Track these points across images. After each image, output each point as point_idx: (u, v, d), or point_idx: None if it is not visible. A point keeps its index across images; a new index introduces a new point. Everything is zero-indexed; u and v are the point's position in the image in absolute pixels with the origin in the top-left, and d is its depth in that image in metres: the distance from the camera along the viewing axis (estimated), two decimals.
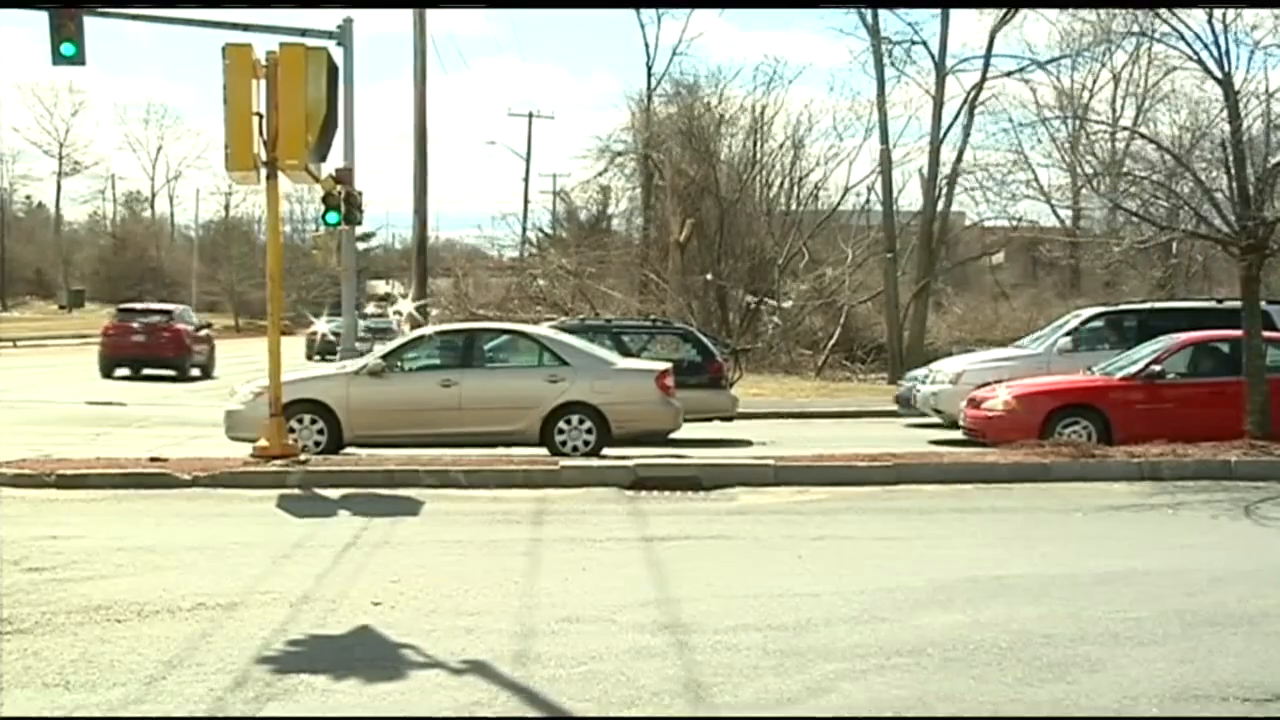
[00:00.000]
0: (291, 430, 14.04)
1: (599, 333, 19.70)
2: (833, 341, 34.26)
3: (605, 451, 14.56)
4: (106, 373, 31.05)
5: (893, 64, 35.27)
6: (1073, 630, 6.84)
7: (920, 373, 21.01)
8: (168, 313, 34.19)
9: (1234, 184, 14.43)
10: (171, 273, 77.49)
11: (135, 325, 32.31)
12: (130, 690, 5.73)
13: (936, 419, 18.81)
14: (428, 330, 18.25)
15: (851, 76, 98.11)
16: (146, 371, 31.83)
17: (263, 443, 13.37)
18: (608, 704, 5.63)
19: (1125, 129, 23.93)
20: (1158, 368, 15.30)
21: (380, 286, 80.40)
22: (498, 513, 10.91)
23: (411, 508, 11.29)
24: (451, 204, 77.01)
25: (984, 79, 34.76)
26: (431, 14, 23.83)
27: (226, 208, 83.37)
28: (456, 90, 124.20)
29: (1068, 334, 19.13)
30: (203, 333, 34.60)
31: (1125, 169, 17.68)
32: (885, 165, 36.02)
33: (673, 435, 15.54)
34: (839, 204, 39.09)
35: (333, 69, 13.45)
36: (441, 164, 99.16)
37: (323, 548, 9.20)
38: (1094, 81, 40.37)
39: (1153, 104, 34.67)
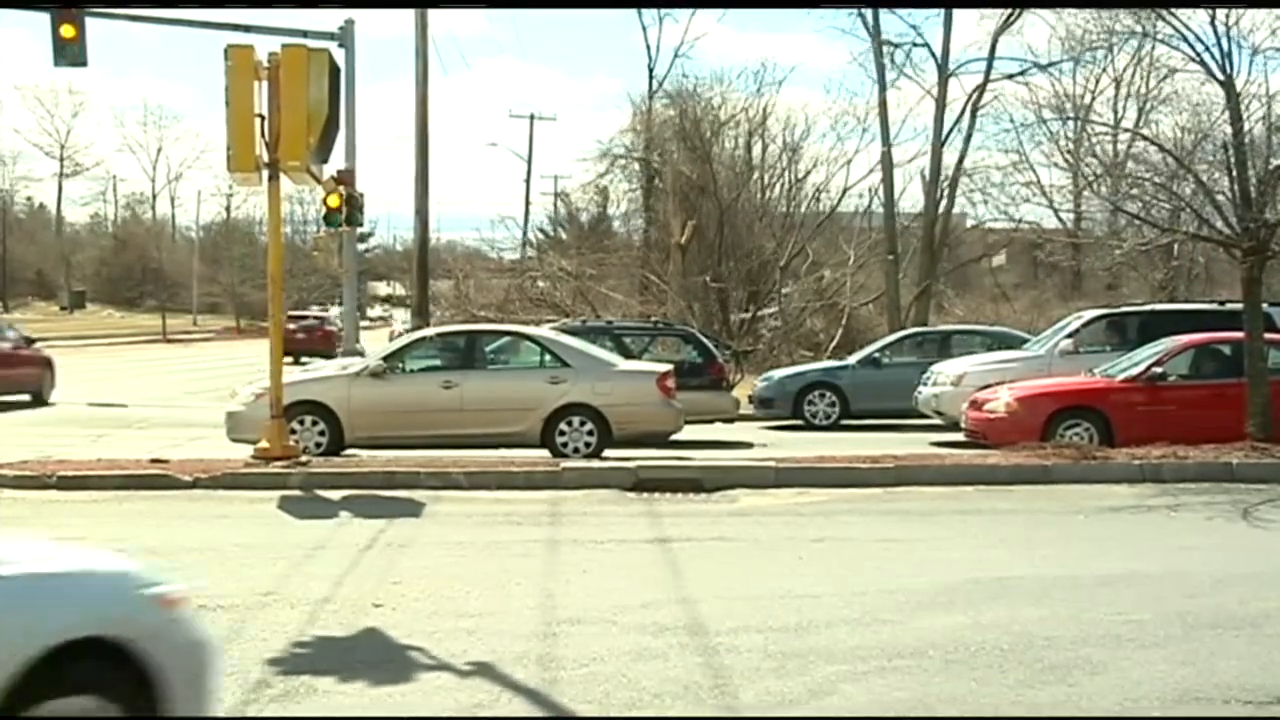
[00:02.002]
0: (293, 432, 14.04)
1: (600, 334, 19.68)
2: (834, 343, 34.23)
3: (606, 453, 14.55)
4: None
5: (894, 65, 35.35)
6: (1074, 632, 6.84)
7: (776, 373, 22.50)
8: (321, 318, 48.41)
9: (1235, 186, 14.43)
10: (173, 274, 77.36)
11: (294, 326, 42.50)
12: None
13: (795, 420, 20.61)
14: (429, 331, 18.25)
15: (851, 78, 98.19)
16: None
17: (264, 444, 13.38)
18: (609, 705, 5.63)
19: (1127, 130, 23.91)
20: (1159, 370, 15.29)
21: (381, 288, 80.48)
22: (499, 514, 10.92)
23: (413, 509, 11.29)
24: (452, 205, 76.75)
25: (986, 81, 34.84)
26: (432, 15, 23.80)
27: (228, 209, 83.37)
28: (457, 92, 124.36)
29: (1069, 336, 19.12)
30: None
31: (1127, 171, 17.67)
32: (886, 167, 36.05)
33: (674, 437, 15.54)
34: (838, 205, 39.09)
35: (335, 70, 13.44)
36: (442, 165, 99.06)
37: (324, 549, 9.21)
38: (1095, 84, 40.42)
39: (1154, 105, 34.67)
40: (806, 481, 12.61)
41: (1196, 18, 15.40)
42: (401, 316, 58.09)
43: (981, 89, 34.85)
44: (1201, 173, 15.08)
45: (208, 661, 4.37)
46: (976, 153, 35.94)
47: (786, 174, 40.06)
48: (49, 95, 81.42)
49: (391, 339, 39.35)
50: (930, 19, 35.29)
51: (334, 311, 47.87)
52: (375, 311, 77.21)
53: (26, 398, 23.51)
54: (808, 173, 39.58)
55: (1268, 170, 14.65)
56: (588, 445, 14.72)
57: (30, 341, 24.97)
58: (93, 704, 3.92)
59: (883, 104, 35.64)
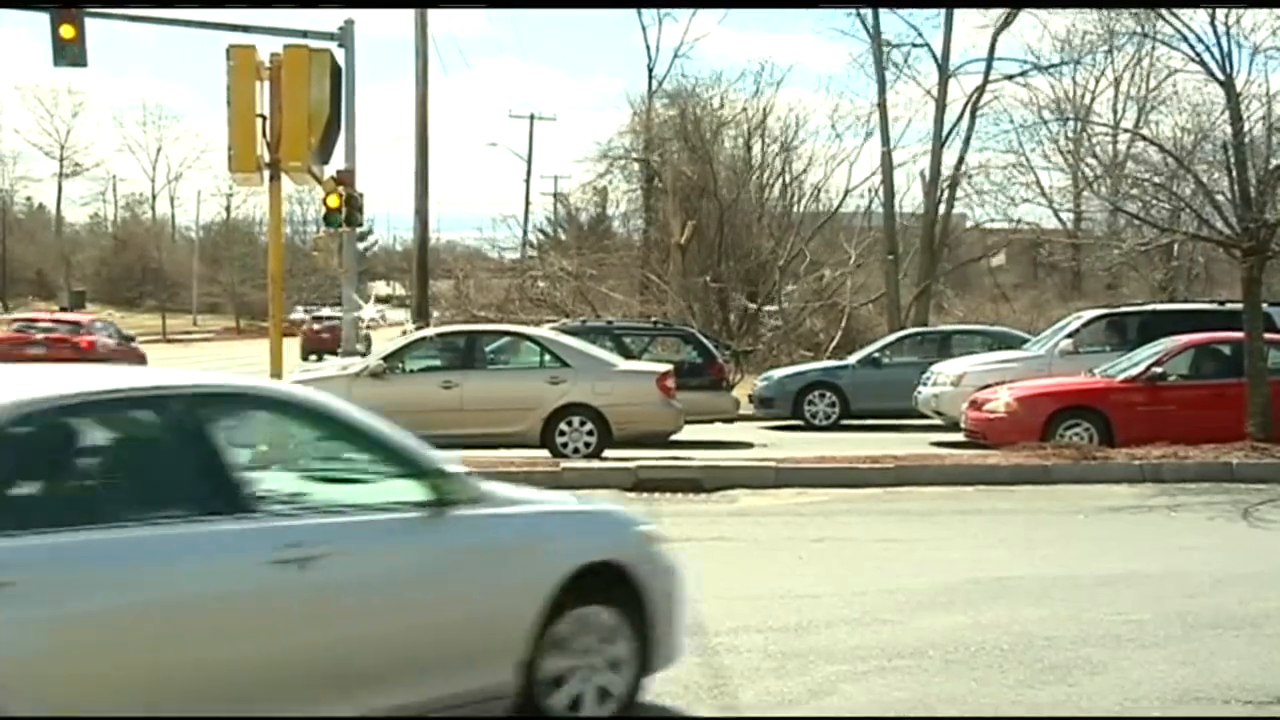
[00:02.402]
0: None
1: (600, 334, 19.66)
2: (834, 344, 34.23)
3: (606, 453, 14.55)
4: (304, 357, 40.23)
5: (894, 66, 35.34)
6: (1074, 632, 6.84)
7: (776, 373, 22.53)
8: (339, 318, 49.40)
9: (1235, 186, 14.44)
10: (173, 274, 77.37)
11: (319, 326, 44.87)
12: None
13: (795, 420, 20.52)
14: (429, 332, 18.25)
15: (852, 79, 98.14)
16: None
17: None
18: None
19: (1127, 131, 23.91)
20: (1159, 369, 15.28)
21: (380, 288, 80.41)
22: None
23: None
24: (452, 205, 76.73)
25: (986, 81, 34.81)
26: (432, 15, 23.77)
27: (228, 209, 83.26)
28: (457, 91, 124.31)
29: (1069, 336, 19.11)
30: (365, 331, 43.38)
31: (1126, 171, 17.69)
32: (886, 167, 36.04)
33: (674, 437, 15.53)
34: (839, 206, 39.10)
35: (336, 70, 13.46)
36: (442, 165, 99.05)
37: None
38: (1095, 84, 40.42)
39: (1154, 105, 34.68)
40: (806, 481, 12.61)
41: (1197, 18, 15.43)
42: (393, 316, 58.25)
43: (981, 89, 34.85)
44: (1201, 173, 15.10)
45: (679, 584, 5.63)
46: (977, 153, 35.96)
47: (785, 174, 40.11)
48: (49, 95, 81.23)
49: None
50: (930, 19, 35.28)
51: (326, 312, 47.91)
52: (369, 312, 76.81)
53: None
54: (804, 170, 39.63)
55: (1268, 170, 14.66)
56: (588, 445, 14.72)
57: (129, 340, 25.54)
58: (605, 612, 5.24)
59: (882, 105, 35.64)
